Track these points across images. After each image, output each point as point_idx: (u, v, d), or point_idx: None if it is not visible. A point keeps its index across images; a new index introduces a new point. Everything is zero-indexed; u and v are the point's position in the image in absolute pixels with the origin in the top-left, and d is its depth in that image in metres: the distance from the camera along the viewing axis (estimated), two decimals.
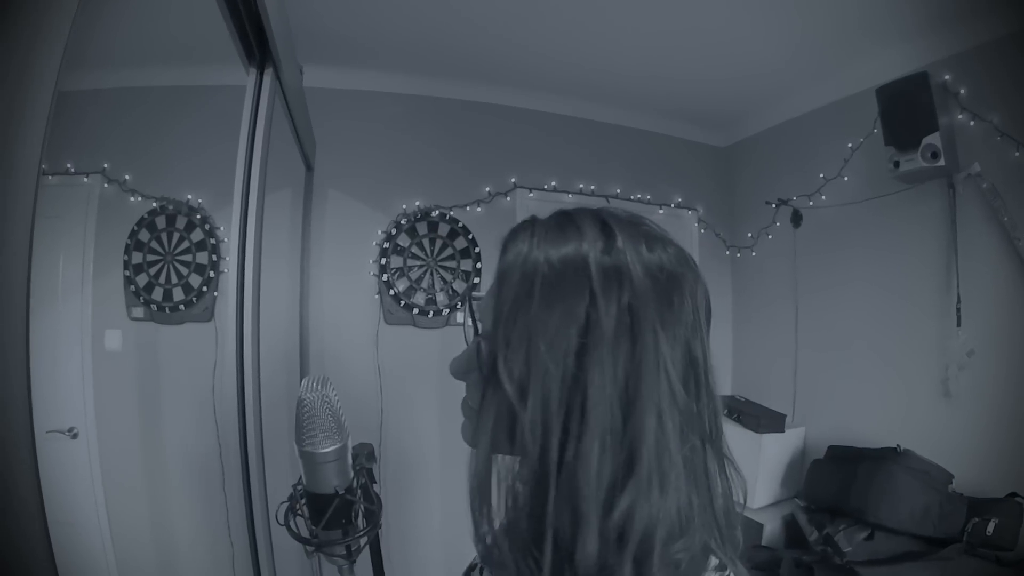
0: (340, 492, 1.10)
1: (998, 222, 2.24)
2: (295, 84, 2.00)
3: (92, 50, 2.05)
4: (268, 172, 1.61)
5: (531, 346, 0.51)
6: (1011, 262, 2.22)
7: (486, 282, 3.04)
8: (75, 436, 2.37)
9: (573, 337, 0.51)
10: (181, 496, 2.57)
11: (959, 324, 2.35)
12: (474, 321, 0.61)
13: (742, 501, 0.59)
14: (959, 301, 2.36)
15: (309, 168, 2.65)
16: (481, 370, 0.57)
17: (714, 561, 0.56)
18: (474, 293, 0.66)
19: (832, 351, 2.92)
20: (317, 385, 1.06)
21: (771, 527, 2.70)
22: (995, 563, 2.01)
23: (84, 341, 2.48)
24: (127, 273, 2.57)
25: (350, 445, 1.13)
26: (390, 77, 2.97)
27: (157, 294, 2.60)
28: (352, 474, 1.15)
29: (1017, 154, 2.17)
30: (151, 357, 2.61)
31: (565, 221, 0.57)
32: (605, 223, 0.55)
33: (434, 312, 2.98)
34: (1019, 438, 2.16)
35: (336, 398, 1.07)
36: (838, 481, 2.43)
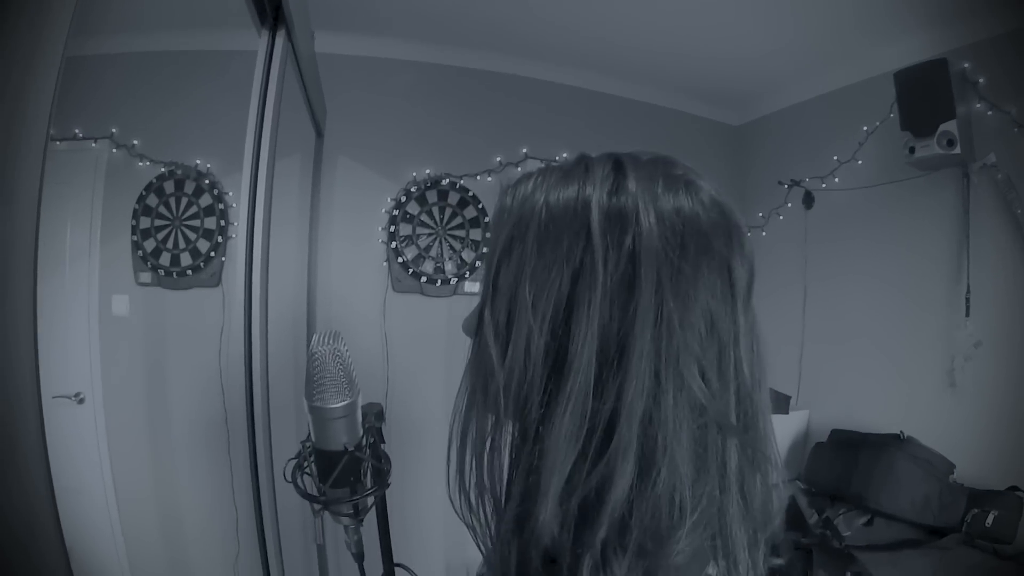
0: (350, 449, 1.09)
1: (1011, 213, 2.22)
2: (307, 48, 1.97)
3: (100, 14, 2.02)
4: (278, 137, 1.60)
5: (516, 294, 0.47)
6: (1022, 254, 2.20)
7: None
8: (82, 401, 2.38)
9: (564, 285, 0.46)
10: (186, 461, 2.59)
11: (967, 315, 2.34)
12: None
13: (770, 518, 0.50)
14: (968, 291, 2.35)
15: (319, 135, 2.63)
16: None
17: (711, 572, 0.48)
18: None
19: (839, 336, 2.90)
20: (329, 339, 1.04)
21: None
22: (993, 555, 2.01)
23: (91, 306, 2.48)
24: (135, 238, 2.57)
25: (360, 402, 1.12)
26: (404, 45, 2.94)
27: (164, 259, 2.60)
28: (362, 432, 1.14)
29: None
30: (158, 322, 2.62)
31: (576, 162, 0.52)
32: (619, 163, 0.50)
33: (442, 281, 2.98)
34: (1022, 431, 2.16)
35: (348, 353, 1.05)
36: (840, 465, 2.44)
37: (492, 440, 0.50)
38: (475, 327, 0.54)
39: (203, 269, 2.64)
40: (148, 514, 2.52)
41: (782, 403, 2.81)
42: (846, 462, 2.41)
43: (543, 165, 0.55)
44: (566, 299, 0.46)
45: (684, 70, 3.16)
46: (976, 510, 2.06)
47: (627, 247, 0.45)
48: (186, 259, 2.62)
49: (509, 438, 0.49)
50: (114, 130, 2.53)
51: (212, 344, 2.60)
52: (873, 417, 2.58)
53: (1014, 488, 2.05)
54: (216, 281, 2.66)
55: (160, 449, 2.56)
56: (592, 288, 0.45)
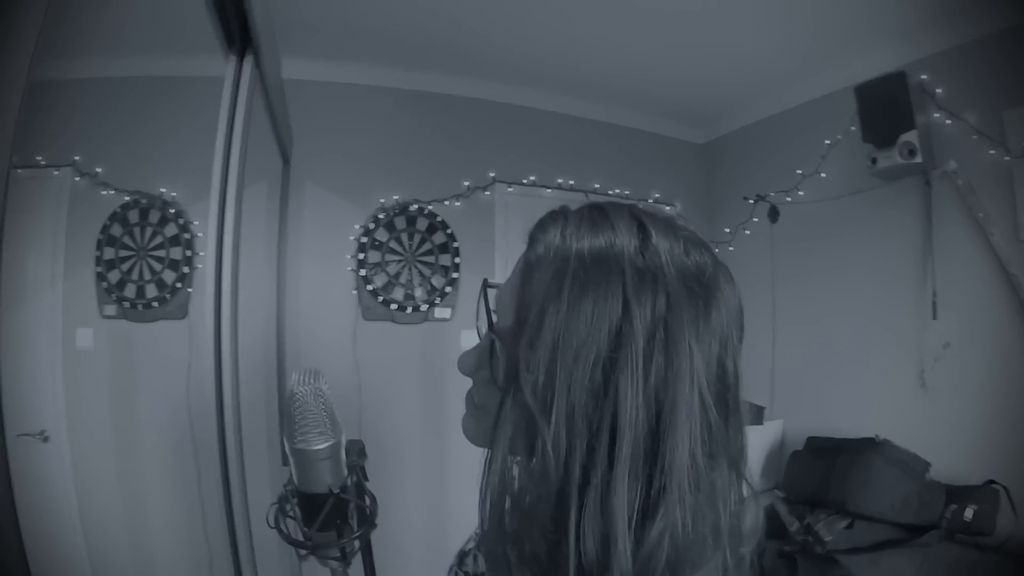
0: (335, 491, 1.06)
1: (973, 218, 2.30)
2: (274, 74, 1.95)
3: (62, 38, 1.97)
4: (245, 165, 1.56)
5: (556, 354, 0.47)
6: (985, 256, 2.28)
7: (465, 277, 3.02)
8: (47, 439, 2.28)
9: (603, 346, 0.47)
10: (156, 500, 2.49)
11: (935, 317, 2.42)
12: (488, 313, 0.57)
13: (757, 533, 0.55)
14: (935, 295, 2.42)
15: (286, 161, 2.60)
16: (493, 372, 0.55)
17: None
18: (490, 281, 0.61)
19: (810, 345, 2.97)
20: (309, 378, 1.01)
21: None
22: (974, 548, 2.07)
23: (54, 340, 2.39)
24: (99, 269, 2.48)
25: (343, 441, 1.09)
26: (369, 70, 2.93)
27: (130, 291, 2.52)
28: (346, 472, 1.11)
29: (992, 152, 2.24)
30: (123, 356, 2.53)
31: (598, 214, 0.52)
32: (640, 221, 0.52)
33: (413, 308, 2.95)
34: (994, 427, 2.23)
35: (329, 391, 1.02)
36: (818, 472, 2.47)
37: (536, 506, 0.49)
38: (475, 369, 0.58)
39: (169, 301, 2.56)
40: (119, 555, 2.41)
41: (757, 414, 2.84)
42: (824, 468, 2.44)
43: (556, 208, 0.56)
44: (605, 359, 0.47)
45: (649, 91, 3.22)
46: (955, 506, 2.11)
47: (660, 309, 0.47)
48: (152, 291, 2.55)
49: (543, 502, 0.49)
50: (77, 157, 2.45)
51: (179, 378, 2.52)
52: (848, 422, 2.62)
53: (991, 482, 2.11)
54: (183, 313, 2.58)
55: (129, 487, 2.46)
56: (633, 349, 0.46)
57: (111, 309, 2.49)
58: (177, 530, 2.47)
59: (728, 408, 0.51)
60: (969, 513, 2.06)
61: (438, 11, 2.45)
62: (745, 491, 0.53)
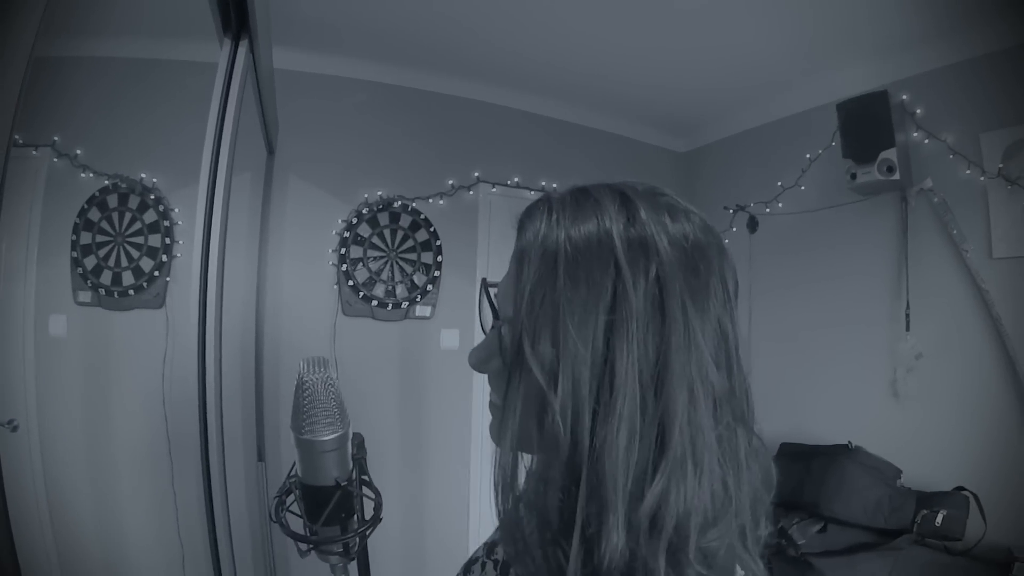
0: (342, 484, 1.03)
1: (947, 234, 2.39)
2: (267, 61, 1.91)
3: (46, 15, 1.89)
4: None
5: (558, 326, 0.49)
6: (958, 272, 2.37)
7: (447, 275, 3.01)
8: (15, 429, 2.18)
9: (601, 314, 0.48)
10: (128, 495, 2.41)
11: (908, 329, 2.50)
12: (492, 308, 0.59)
13: (772, 488, 0.57)
14: (908, 307, 2.50)
15: (271, 152, 2.55)
16: (504, 357, 0.55)
17: (740, 573, 0.53)
18: (489, 280, 0.62)
19: (785, 353, 3.03)
20: (318, 367, 0.99)
21: None
22: (944, 552, 2.14)
23: (27, 327, 2.29)
24: (74, 254, 2.39)
25: (351, 433, 1.07)
26: (359, 64, 2.90)
27: (106, 278, 2.43)
28: (352, 464, 1.08)
29: (968, 172, 2.33)
30: (98, 345, 2.44)
31: (582, 197, 0.54)
32: (624, 195, 0.53)
33: (393, 305, 2.92)
34: (963, 436, 2.31)
35: (337, 380, 1.00)
36: (792, 477, 2.52)
37: (549, 476, 0.51)
38: (486, 360, 0.59)
39: (146, 289, 2.48)
40: (89, 551, 2.32)
41: None
42: (798, 473, 2.49)
43: (540, 196, 0.57)
44: (604, 326, 0.48)
45: (634, 98, 3.27)
46: (925, 511, 2.18)
47: (652, 274, 0.49)
48: (128, 278, 2.47)
49: (555, 473, 0.50)
50: (56, 138, 2.36)
51: (155, 369, 2.44)
52: (821, 429, 2.69)
53: (960, 488, 2.19)
54: (160, 302, 2.51)
55: (100, 480, 2.38)
56: (628, 314, 0.48)
57: (86, 296, 2.40)
58: (149, 525, 2.39)
59: (730, 367, 0.53)
60: (939, 518, 2.12)
61: (431, 8, 2.44)
62: (755, 445, 0.55)
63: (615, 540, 0.45)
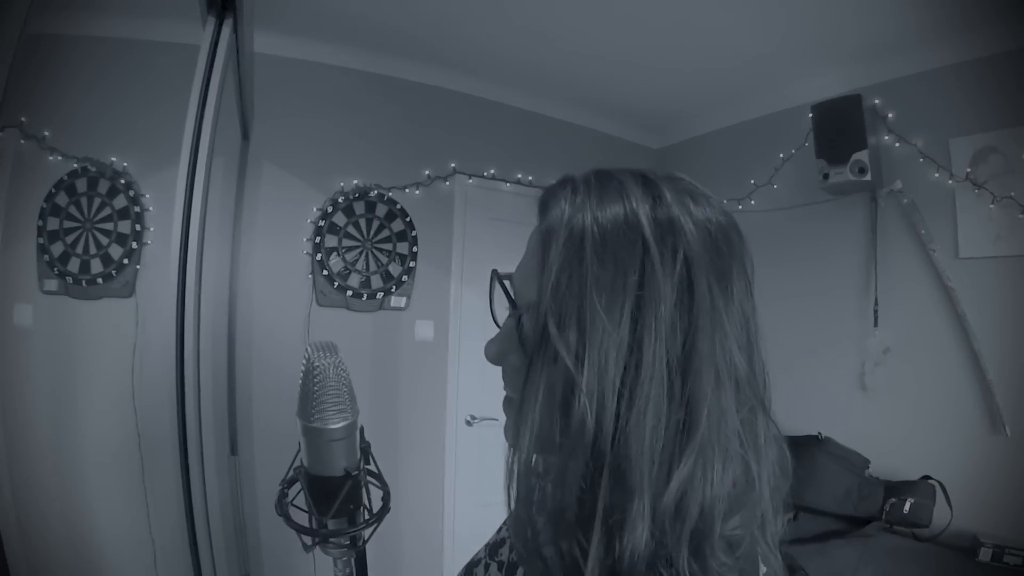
0: (352, 473, 1.01)
1: (915, 234, 2.50)
2: (249, 43, 1.86)
3: None
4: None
5: (584, 308, 0.48)
6: (925, 270, 2.48)
7: (422, 266, 2.99)
8: None
9: (629, 295, 0.48)
10: (96, 492, 2.31)
11: (876, 324, 2.59)
12: (509, 297, 0.57)
13: (789, 476, 0.56)
14: (876, 303, 2.60)
15: (246, 137, 2.48)
16: (524, 345, 0.54)
17: (763, 569, 0.53)
18: (501, 271, 0.61)
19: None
20: (327, 351, 0.97)
21: None
22: (912, 538, 2.24)
23: None
24: (41, 241, 2.28)
25: (359, 421, 1.04)
26: (337, 50, 2.84)
27: (73, 265, 2.33)
28: (359, 454, 1.06)
29: (936, 175, 2.43)
30: (65, 336, 2.33)
31: (606, 178, 0.54)
32: (648, 179, 0.53)
33: (368, 295, 2.88)
34: (929, 427, 2.42)
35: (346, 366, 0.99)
36: None
37: (570, 466, 0.48)
38: (506, 352, 0.57)
39: (115, 277, 2.38)
40: (57, 552, 2.21)
41: None
42: None
43: (562, 177, 0.56)
44: (632, 307, 0.48)
45: (609, 94, 3.29)
46: (894, 499, 2.28)
47: (681, 256, 0.49)
48: (97, 266, 2.36)
49: (578, 462, 0.48)
50: (23, 119, 2.24)
51: (124, 361, 2.35)
52: (792, 421, 2.77)
53: (927, 477, 2.29)
54: (129, 291, 2.41)
55: (68, 479, 2.27)
56: (657, 295, 0.47)
57: (52, 284, 2.29)
58: (119, 524, 2.30)
59: (751, 350, 0.53)
60: (907, 506, 2.22)
61: None
62: (773, 430, 0.55)
63: (640, 529, 0.45)
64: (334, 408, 0.96)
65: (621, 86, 3.16)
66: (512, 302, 0.57)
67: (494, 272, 0.59)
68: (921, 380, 2.46)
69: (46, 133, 2.28)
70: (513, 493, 0.53)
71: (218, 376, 2.51)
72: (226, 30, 1.54)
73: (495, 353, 0.58)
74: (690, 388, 0.47)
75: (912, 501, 2.22)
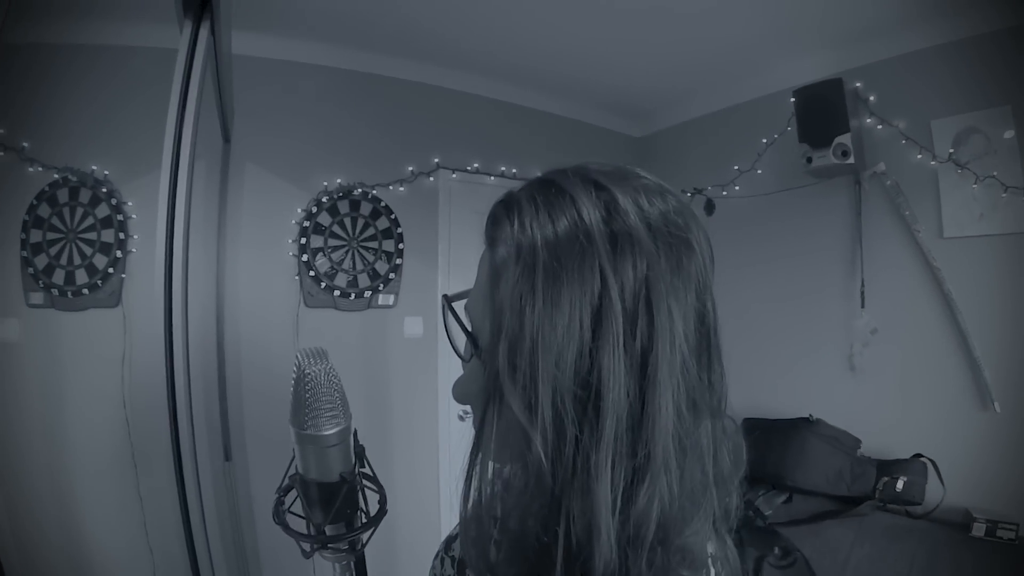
0: (348, 478, 1.01)
1: (899, 215, 2.52)
2: (227, 45, 1.83)
3: None
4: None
5: (536, 356, 0.45)
6: (910, 251, 2.50)
7: (408, 263, 2.98)
8: None
9: (587, 332, 0.45)
10: (91, 505, 2.28)
11: (863, 306, 2.62)
12: (463, 327, 0.54)
13: (742, 465, 0.56)
14: (863, 285, 2.63)
15: (227, 140, 2.46)
16: (483, 385, 0.51)
17: (710, 548, 0.53)
18: (450, 295, 0.58)
19: (745, 332, 3.11)
20: (318, 358, 0.96)
21: None
22: (906, 516, 2.27)
23: None
24: (24, 253, 2.24)
25: (352, 426, 1.04)
26: (315, 47, 2.81)
27: (58, 277, 2.30)
28: (354, 458, 1.06)
29: (919, 156, 2.45)
30: (53, 349, 2.30)
31: (554, 191, 0.49)
32: (597, 183, 0.49)
33: (356, 294, 2.87)
34: (919, 406, 2.45)
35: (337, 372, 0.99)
36: (755, 450, 2.55)
37: (526, 503, 0.48)
38: (474, 393, 0.54)
39: (101, 288, 2.35)
40: (55, 567, 2.19)
41: None
42: (761, 447, 2.58)
43: (503, 196, 0.53)
44: (589, 342, 0.45)
45: (590, 83, 3.29)
46: (886, 478, 2.31)
47: (640, 273, 0.46)
48: (82, 276, 2.33)
49: (534, 502, 0.47)
50: (1, 130, 2.20)
51: (113, 371, 2.33)
52: (782, 405, 2.80)
53: (918, 455, 2.32)
54: (115, 301, 2.38)
55: (63, 493, 2.25)
56: (615, 323, 0.45)
57: (38, 297, 2.26)
58: (116, 536, 2.28)
59: (709, 351, 0.51)
60: (900, 484, 2.25)
61: None
62: (727, 426, 0.54)
63: (607, 556, 0.44)
64: (327, 415, 0.96)
65: (602, 75, 3.16)
66: (468, 334, 0.54)
67: (444, 298, 0.56)
68: (909, 359, 2.50)
69: (25, 144, 2.24)
70: (470, 501, 0.52)
71: (209, 382, 2.49)
72: (203, 33, 1.52)
73: (461, 394, 0.57)
74: (649, 418, 0.45)
75: (905, 479, 2.26)
